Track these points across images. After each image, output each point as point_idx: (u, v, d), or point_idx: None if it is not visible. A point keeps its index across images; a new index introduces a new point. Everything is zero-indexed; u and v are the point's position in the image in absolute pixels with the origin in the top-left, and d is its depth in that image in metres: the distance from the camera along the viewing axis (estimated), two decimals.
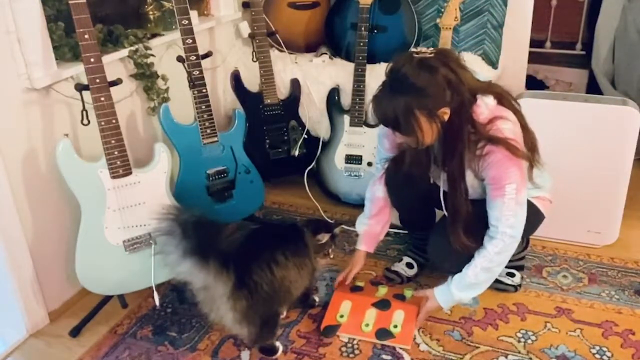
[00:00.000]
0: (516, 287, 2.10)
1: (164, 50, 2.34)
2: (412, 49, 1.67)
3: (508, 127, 1.68)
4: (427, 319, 1.96)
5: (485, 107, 1.69)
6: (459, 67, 1.65)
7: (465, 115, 1.66)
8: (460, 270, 1.81)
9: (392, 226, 2.24)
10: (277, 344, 1.84)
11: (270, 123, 2.67)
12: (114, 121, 1.85)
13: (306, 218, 2.08)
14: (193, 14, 2.31)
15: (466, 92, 1.63)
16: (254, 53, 2.61)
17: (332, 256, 2.00)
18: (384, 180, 2.03)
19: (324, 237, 1.92)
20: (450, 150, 1.73)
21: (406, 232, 2.40)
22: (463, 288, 1.81)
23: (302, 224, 1.95)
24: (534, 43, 2.88)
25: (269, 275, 1.70)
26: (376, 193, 2.05)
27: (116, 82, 1.89)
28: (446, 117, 1.64)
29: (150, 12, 2.39)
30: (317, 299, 2.06)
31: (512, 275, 2.11)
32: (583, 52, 3.50)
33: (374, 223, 2.07)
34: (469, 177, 1.76)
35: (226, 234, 1.76)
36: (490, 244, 1.76)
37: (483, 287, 1.83)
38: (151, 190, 1.98)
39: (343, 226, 2.15)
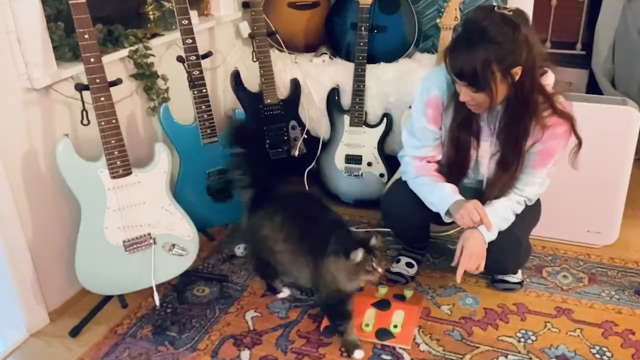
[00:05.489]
0: (521, 284, 2.11)
1: (164, 50, 2.34)
2: (494, 3, 1.64)
3: (569, 104, 1.74)
4: (427, 319, 1.96)
5: (552, 79, 1.74)
6: (534, 31, 1.64)
7: (535, 80, 1.67)
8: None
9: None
10: (282, 287, 2.08)
11: (270, 123, 2.67)
12: (114, 121, 1.85)
13: (335, 237, 1.78)
14: (193, 14, 2.31)
15: (539, 56, 1.64)
16: (254, 53, 2.61)
17: (380, 270, 1.73)
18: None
19: (357, 255, 1.68)
20: (516, 115, 1.72)
21: None
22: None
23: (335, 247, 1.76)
24: None
25: (257, 222, 1.97)
26: (430, 170, 1.91)
27: (116, 82, 1.89)
28: (517, 77, 1.62)
29: (150, 12, 2.39)
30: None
31: (513, 272, 2.11)
32: (583, 52, 3.50)
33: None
34: (527, 146, 1.78)
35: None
36: (513, 198, 1.83)
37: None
38: (151, 190, 1.98)
39: (377, 236, 1.79)
